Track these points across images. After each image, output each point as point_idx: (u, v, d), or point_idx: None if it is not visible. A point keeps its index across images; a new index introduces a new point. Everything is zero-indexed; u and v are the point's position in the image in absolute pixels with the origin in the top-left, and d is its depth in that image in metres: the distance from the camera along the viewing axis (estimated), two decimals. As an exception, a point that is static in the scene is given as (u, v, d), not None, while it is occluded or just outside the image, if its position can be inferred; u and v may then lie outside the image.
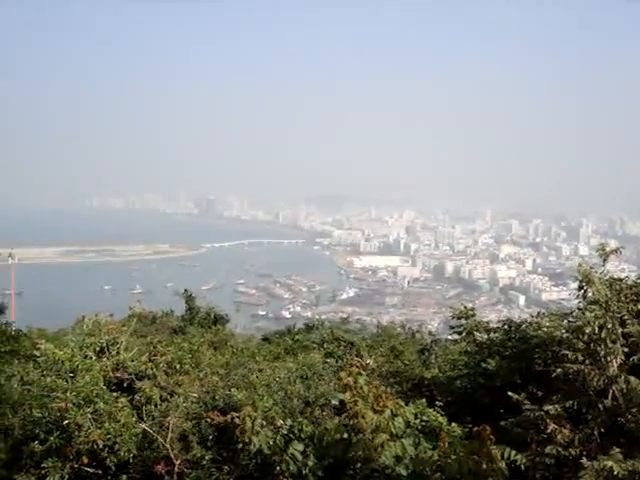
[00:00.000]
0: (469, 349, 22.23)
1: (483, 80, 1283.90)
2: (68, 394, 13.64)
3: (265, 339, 41.53)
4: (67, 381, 14.37)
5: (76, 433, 13.36)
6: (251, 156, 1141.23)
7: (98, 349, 15.83)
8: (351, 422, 11.29)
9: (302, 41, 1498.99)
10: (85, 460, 13.96)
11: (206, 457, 14.08)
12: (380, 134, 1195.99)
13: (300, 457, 12.76)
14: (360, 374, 12.36)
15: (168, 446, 14.04)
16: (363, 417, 11.10)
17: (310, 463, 12.69)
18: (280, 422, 13.42)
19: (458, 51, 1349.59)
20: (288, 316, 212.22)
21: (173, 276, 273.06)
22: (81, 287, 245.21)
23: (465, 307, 23.35)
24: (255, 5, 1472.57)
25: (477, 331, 22.30)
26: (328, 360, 23.74)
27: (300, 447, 12.91)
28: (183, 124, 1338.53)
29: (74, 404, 13.46)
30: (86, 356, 15.16)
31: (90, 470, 14.47)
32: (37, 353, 15.28)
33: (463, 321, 22.91)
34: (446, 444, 12.25)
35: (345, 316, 60.07)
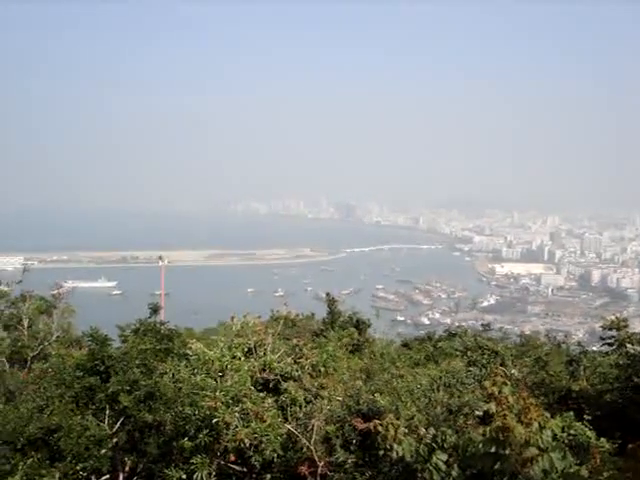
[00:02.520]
0: (620, 362, 21.33)
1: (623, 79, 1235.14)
2: (217, 393, 13.98)
3: (405, 345, 41.26)
4: (216, 380, 14.77)
5: (224, 431, 13.68)
6: (391, 161, 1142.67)
7: (246, 350, 16.20)
8: (499, 435, 11.01)
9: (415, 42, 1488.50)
10: (232, 458, 14.27)
11: (349, 461, 14.09)
12: (521, 138, 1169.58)
13: (444, 467, 12.54)
14: (505, 384, 12.05)
15: (312, 448, 14.15)
16: (512, 431, 10.80)
17: (454, 474, 12.45)
18: (423, 430, 13.25)
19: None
20: (427, 322, 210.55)
21: (313, 280, 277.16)
22: (225, 289, 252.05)
23: (617, 318, 22.43)
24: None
25: (630, 343, 21.38)
26: (471, 368, 23.29)
27: (444, 457, 12.69)
28: (324, 130, 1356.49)
29: (223, 403, 13.78)
30: (234, 356, 15.53)
31: (236, 468, 14.80)
32: (189, 352, 15.79)
33: (614, 332, 22.02)
34: (597, 460, 11.75)
35: (486, 324, 58.77)
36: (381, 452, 13.13)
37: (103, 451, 15.88)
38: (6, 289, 37.83)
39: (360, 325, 38.98)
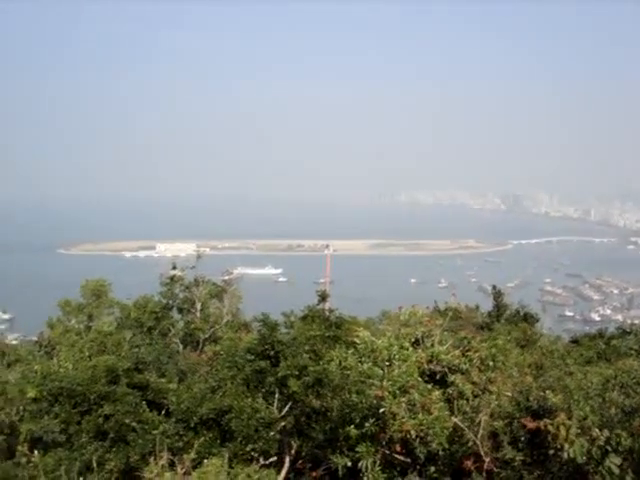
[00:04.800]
0: None
1: None
2: (384, 382, 14.01)
3: (574, 341, 39.81)
4: (383, 369, 14.80)
5: (391, 421, 13.66)
6: (560, 150, 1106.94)
7: (413, 340, 16.14)
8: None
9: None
10: (397, 448, 14.27)
11: (517, 458, 13.75)
12: None
13: (617, 471, 12.05)
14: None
15: (478, 443, 13.93)
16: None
17: (628, 479, 11.97)
18: (596, 432, 12.72)
19: None
20: (597, 319, 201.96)
21: (477, 271, 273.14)
22: (388, 279, 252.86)
23: None
24: None
25: None
26: (646, 369, 22.14)
27: (617, 460, 12.18)
28: (487, 118, 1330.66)
29: (390, 393, 13.79)
30: (402, 346, 15.50)
31: (400, 458, 14.80)
32: (357, 340, 15.90)
33: None
34: None
35: (662, 322, 55.62)
36: (551, 451, 12.77)
37: (272, 434, 16.29)
38: (180, 274, 39.66)
39: (527, 319, 38.03)
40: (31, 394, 19.44)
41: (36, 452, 15.10)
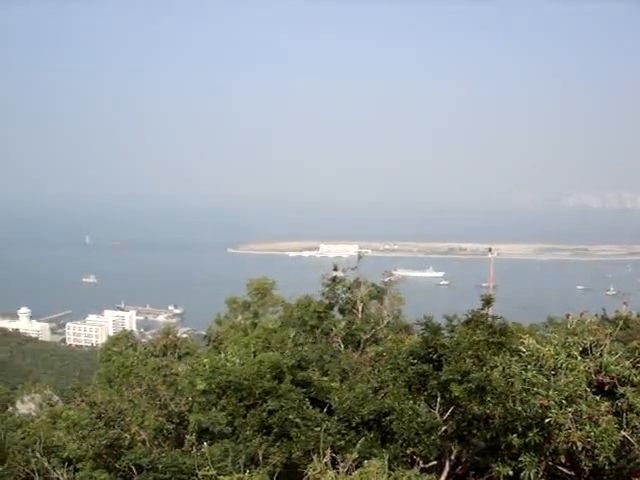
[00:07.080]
0: None
1: None
2: (550, 392, 13.60)
3: None
4: (548, 378, 14.37)
5: (556, 432, 13.26)
6: None
7: (581, 349, 15.58)
8: None
9: None
10: (562, 460, 13.84)
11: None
12: None
13: None
14: None
15: (648, 458, 13.30)
16: None
17: None
18: None
19: None
20: None
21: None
22: (553, 284, 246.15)
23: None
24: None
25: None
26: None
27: None
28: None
29: (555, 402, 13.39)
30: (569, 355, 15.01)
31: (565, 471, 14.33)
32: (522, 348, 15.53)
33: None
34: None
35: None
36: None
37: (432, 438, 16.20)
38: (342, 275, 40.26)
39: None
40: (200, 386, 20.37)
41: (204, 442, 15.74)
